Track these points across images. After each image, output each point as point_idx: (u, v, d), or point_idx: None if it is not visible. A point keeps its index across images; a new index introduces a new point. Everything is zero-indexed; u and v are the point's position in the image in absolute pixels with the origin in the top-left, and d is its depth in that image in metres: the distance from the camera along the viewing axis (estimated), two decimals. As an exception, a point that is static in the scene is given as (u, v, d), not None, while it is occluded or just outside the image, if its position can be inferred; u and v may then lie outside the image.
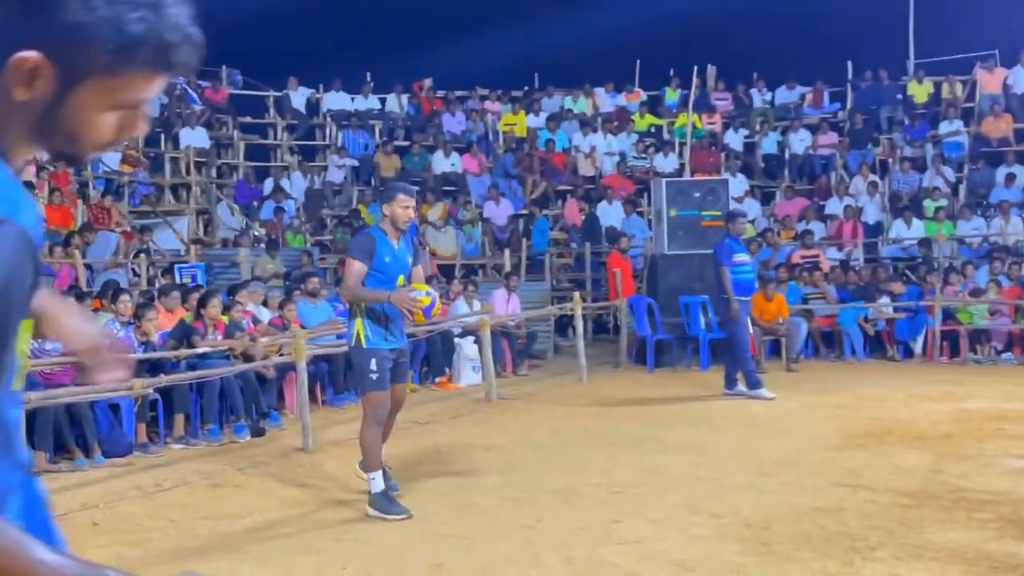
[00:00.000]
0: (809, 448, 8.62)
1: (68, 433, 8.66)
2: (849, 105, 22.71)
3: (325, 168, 21.02)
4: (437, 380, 13.59)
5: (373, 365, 6.69)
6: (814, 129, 21.98)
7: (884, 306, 15.43)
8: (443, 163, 20.68)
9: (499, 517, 6.58)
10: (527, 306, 15.76)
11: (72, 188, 16.22)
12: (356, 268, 6.66)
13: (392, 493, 6.91)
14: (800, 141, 21.73)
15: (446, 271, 17.53)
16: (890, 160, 20.97)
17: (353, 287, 6.64)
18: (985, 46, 21.89)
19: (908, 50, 23.47)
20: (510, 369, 14.51)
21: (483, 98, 23.19)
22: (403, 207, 6.75)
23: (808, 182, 21.38)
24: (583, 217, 19.44)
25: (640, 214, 19.45)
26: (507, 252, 17.92)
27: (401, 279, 6.76)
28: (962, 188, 20.15)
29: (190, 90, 21.28)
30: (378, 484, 6.74)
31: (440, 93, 23.13)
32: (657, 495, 7.02)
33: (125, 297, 10.25)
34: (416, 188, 19.94)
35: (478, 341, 13.06)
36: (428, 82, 23.14)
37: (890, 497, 6.80)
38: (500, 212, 19.55)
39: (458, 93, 23.18)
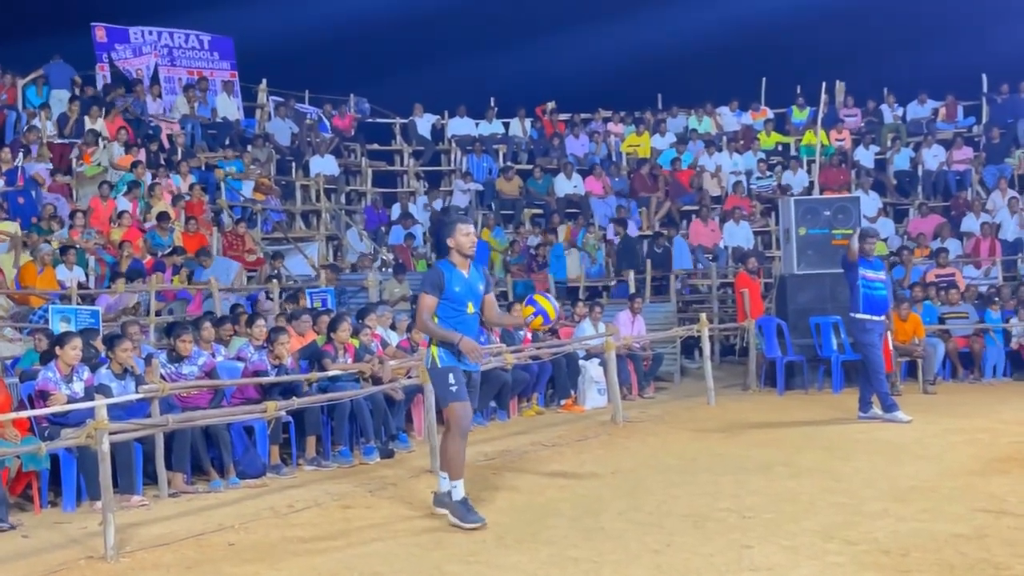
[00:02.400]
0: (948, 473, 8.34)
1: (205, 455, 8.90)
2: (984, 119, 22.04)
3: (450, 193, 21.26)
4: (562, 403, 13.57)
5: (451, 379, 7.09)
6: (948, 144, 21.40)
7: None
8: (566, 185, 20.71)
9: (628, 541, 6.51)
10: (652, 328, 15.63)
11: (207, 216, 16.73)
12: (427, 303, 7.13)
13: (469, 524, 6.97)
14: (933, 157, 21.15)
15: (570, 293, 17.51)
16: (1029, 175, 20.29)
17: (426, 322, 7.14)
18: None
19: (1047, 60, 22.67)
20: (636, 391, 14.41)
21: (606, 120, 23.18)
22: (464, 235, 7.20)
23: (943, 199, 20.78)
24: (619, 236, 19.11)
25: (670, 239, 19.19)
26: (631, 274, 17.81)
27: (471, 306, 7.19)
28: (1108, 202, 19.31)
29: (324, 118, 21.82)
30: (459, 493, 7.06)
31: (563, 116, 23.20)
32: (790, 521, 6.87)
33: (260, 322, 10.49)
34: (539, 211, 20.25)
35: (603, 363, 13.00)
36: (551, 105, 23.23)
37: (1037, 525, 6.53)
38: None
39: (582, 115, 23.22)
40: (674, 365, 16.37)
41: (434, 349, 7.17)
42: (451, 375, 7.09)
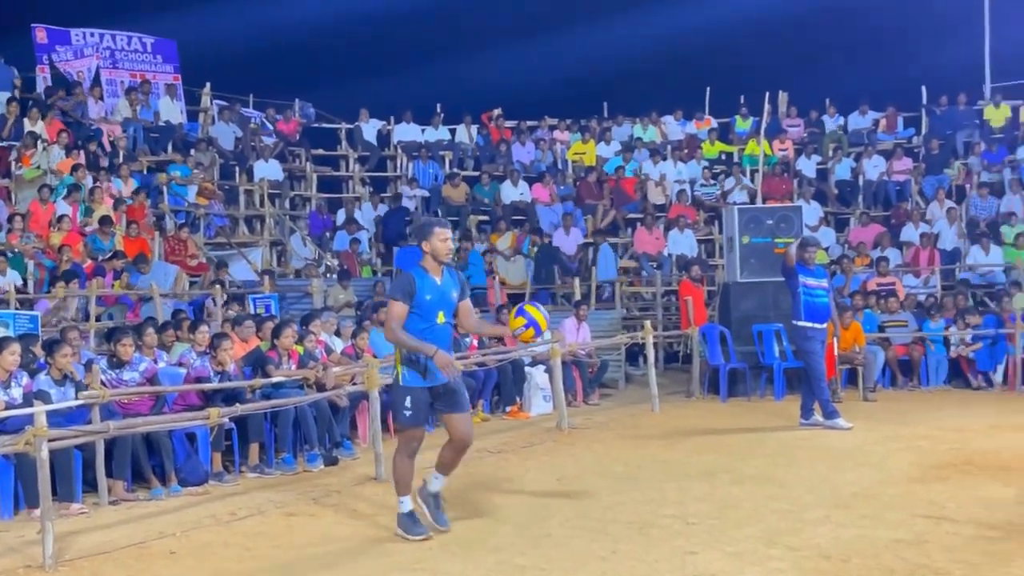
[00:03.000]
0: (888, 480, 8.45)
1: (146, 462, 8.79)
2: (924, 130, 22.41)
3: (396, 198, 21.17)
4: (508, 409, 13.57)
5: (408, 402, 6.80)
6: (888, 155, 21.70)
7: (963, 334, 15.14)
8: (512, 192, 20.73)
9: (574, 548, 6.52)
10: (597, 335, 15.70)
11: (149, 221, 16.52)
12: (397, 310, 6.71)
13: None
14: (874, 167, 21.45)
15: (515, 300, 17.52)
16: (967, 186, 20.65)
17: (396, 330, 6.70)
18: (1065, 68, 21.50)
19: (984, 74, 23.12)
20: (581, 398, 14.45)
21: (552, 127, 23.24)
22: (442, 240, 6.79)
23: (883, 208, 21.09)
24: (536, 245, 19.14)
25: (614, 247, 19.33)
26: (577, 281, 17.87)
27: (442, 315, 6.81)
28: (1042, 213, 19.71)
29: (267, 122, 21.64)
30: (406, 506, 6.92)
31: (509, 123, 23.21)
32: (733, 527, 6.92)
33: (204, 328, 10.39)
34: (486, 218, 20.25)
35: (549, 370, 13.02)
36: (497, 111, 23.24)
37: (974, 530, 6.64)
38: (570, 241, 19.52)
39: (527, 123, 23.26)
40: (619, 372, 16.44)
41: (399, 367, 6.85)
42: (409, 398, 6.79)
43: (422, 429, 6.96)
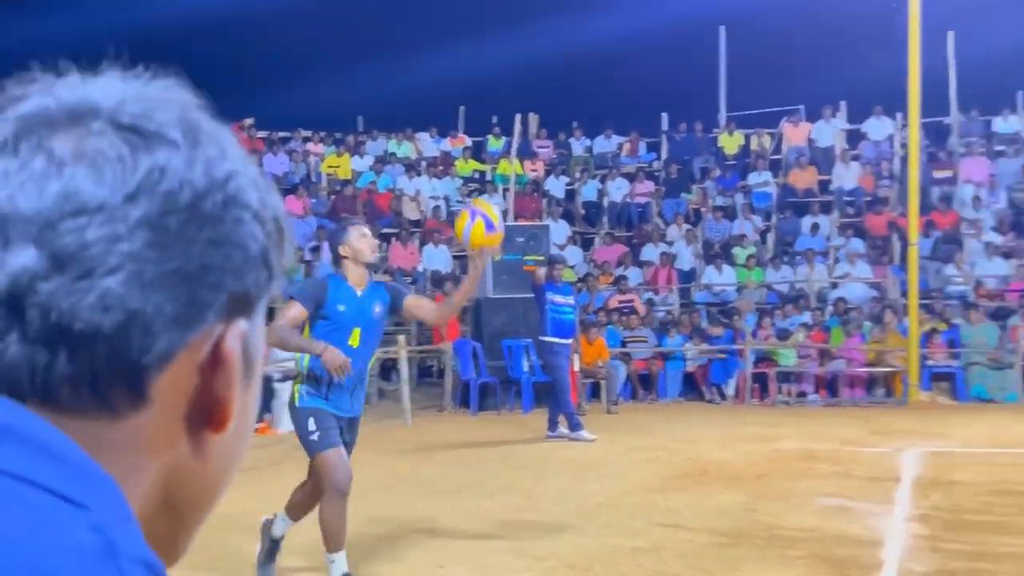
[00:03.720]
0: (630, 490, 8.78)
1: None
2: (664, 155, 23.48)
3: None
4: (256, 426, 13.25)
5: (311, 424, 5.61)
6: (631, 178, 22.61)
7: (703, 350, 15.96)
8: (265, 204, 20.31)
9: (320, 564, 6.45)
10: (350, 350, 15.60)
11: None
12: (292, 312, 5.53)
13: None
14: (618, 189, 22.31)
15: (267, 314, 17.19)
16: (703, 209, 21.76)
17: (279, 329, 5.41)
18: (791, 101, 23.04)
19: (719, 104, 24.49)
20: (332, 414, 14.30)
21: (306, 139, 22.97)
22: (361, 237, 5.66)
23: (626, 229, 21.95)
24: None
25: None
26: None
27: (357, 332, 5.61)
28: (770, 236, 21.04)
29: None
30: (339, 568, 5.71)
31: (261, 133, 22.78)
32: (482, 540, 7.02)
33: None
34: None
35: (300, 386, 12.83)
36: (249, 121, 22.75)
37: (708, 537, 6.98)
38: (322, 255, 19.31)
39: (280, 134, 22.89)
40: (371, 387, 16.37)
41: (296, 385, 5.78)
42: (311, 420, 5.61)
43: (340, 451, 5.70)
